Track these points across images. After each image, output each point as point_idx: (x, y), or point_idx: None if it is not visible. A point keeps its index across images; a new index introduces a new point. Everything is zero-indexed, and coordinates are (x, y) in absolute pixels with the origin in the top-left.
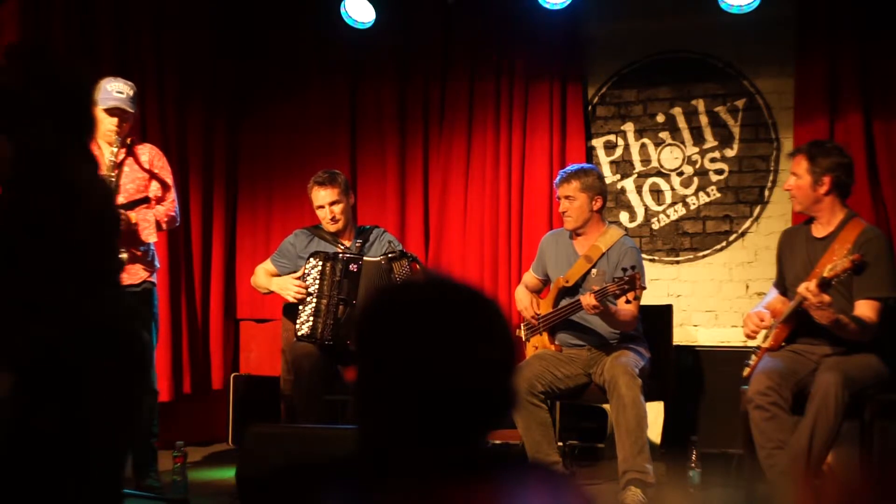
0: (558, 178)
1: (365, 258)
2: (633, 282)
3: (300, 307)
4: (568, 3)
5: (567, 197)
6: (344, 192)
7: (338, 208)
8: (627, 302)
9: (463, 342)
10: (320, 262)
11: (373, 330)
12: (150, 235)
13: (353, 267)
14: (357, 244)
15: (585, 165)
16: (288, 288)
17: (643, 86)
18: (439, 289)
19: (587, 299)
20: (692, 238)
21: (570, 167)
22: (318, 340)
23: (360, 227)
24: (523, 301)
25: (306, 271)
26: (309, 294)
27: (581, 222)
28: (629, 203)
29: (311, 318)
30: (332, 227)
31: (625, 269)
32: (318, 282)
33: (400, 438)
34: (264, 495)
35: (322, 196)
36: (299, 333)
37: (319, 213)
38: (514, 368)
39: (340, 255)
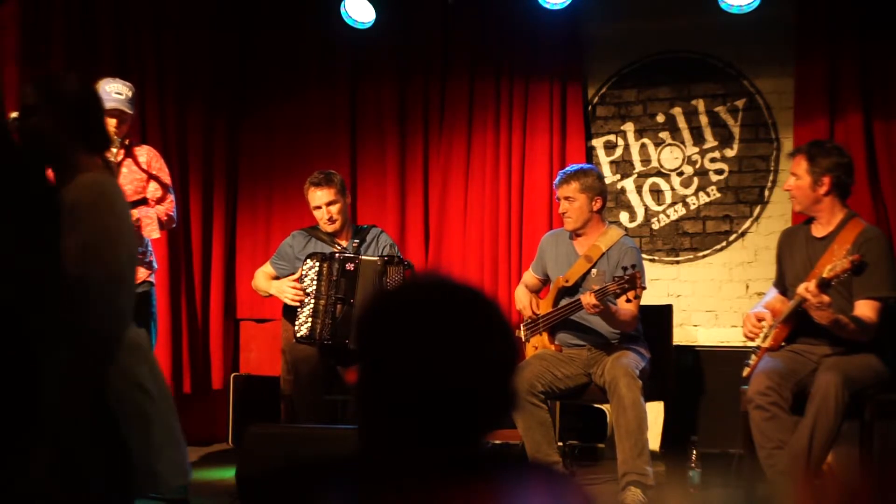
0: (558, 178)
1: (362, 257)
2: (633, 281)
3: (298, 308)
4: (568, 3)
5: (566, 198)
6: (340, 192)
7: (335, 208)
8: (628, 301)
9: (463, 342)
10: (317, 263)
11: (373, 330)
12: (152, 232)
13: (349, 266)
14: (354, 244)
15: (585, 166)
16: (285, 291)
17: (643, 86)
18: (439, 289)
19: (587, 298)
20: (692, 238)
21: (570, 168)
22: (316, 341)
23: (357, 226)
24: (522, 300)
25: (304, 273)
26: (307, 294)
27: (581, 223)
28: (629, 203)
29: (310, 319)
30: (329, 228)
31: (625, 268)
32: (315, 283)
33: (400, 438)
34: (264, 495)
35: (319, 196)
36: (298, 335)
37: (316, 213)
38: (515, 368)
39: (337, 255)
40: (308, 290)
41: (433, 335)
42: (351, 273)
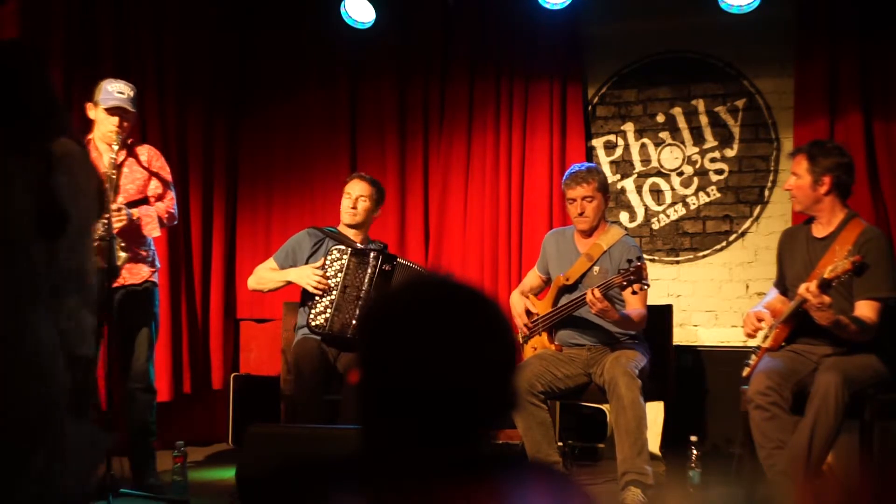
0: (572, 178)
1: (399, 260)
2: (639, 272)
3: (316, 297)
4: (568, 3)
5: (586, 197)
6: (374, 198)
7: (361, 204)
8: (634, 293)
9: (464, 342)
10: (344, 256)
11: (374, 330)
12: (153, 230)
13: (386, 267)
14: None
15: (591, 164)
16: (308, 277)
17: (643, 86)
18: (440, 289)
19: (591, 295)
20: (692, 238)
21: (580, 166)
22: (332, 334)
23: (371, 240)
24: (517, 308)
25: (327, 263)
26: (327, 278)
27: (597, 222)
28: (629, 203)
29: (328, 310)
30: (349, 219)
31: (630, 261)
32: (340, 275)
33: (400, 438)
34: (264, 495)
35: (352, 185)
36: (313, 324)
37: (344, 202)
38: (515, 369)
39: (370, 252)
40: (331, 282)
41: (434, 335)
42: (388, 273)
